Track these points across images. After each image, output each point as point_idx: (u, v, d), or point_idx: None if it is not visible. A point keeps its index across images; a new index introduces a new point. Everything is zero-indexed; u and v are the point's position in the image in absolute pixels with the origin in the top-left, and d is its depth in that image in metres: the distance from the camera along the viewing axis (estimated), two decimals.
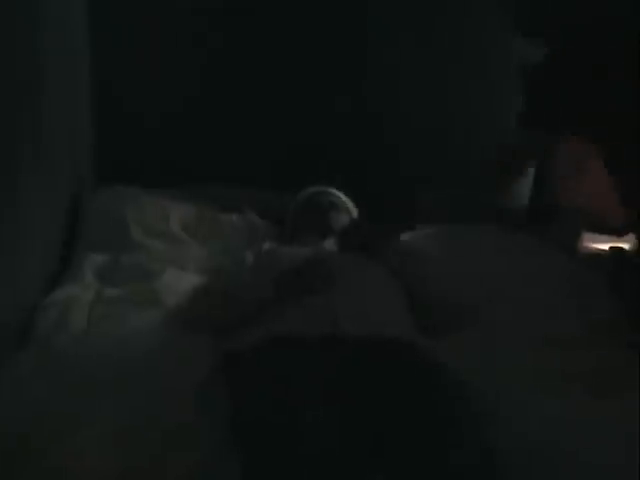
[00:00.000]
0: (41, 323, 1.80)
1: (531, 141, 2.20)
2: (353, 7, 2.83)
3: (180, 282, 2.08)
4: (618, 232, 2.57)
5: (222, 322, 1.79)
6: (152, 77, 2.79)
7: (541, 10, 2.02)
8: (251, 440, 1.31)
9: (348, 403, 1.39)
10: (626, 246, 2.47)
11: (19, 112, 1.79)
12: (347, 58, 2.87)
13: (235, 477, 1.25)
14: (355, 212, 2.42)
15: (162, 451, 1.32)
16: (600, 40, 1.89)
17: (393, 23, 2.86)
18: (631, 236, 2.42)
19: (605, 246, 2.60)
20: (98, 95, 2.70)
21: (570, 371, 1.65)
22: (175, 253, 2.33)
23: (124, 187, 2.62)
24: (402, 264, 2.04)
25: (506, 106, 2.87)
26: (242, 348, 1.59)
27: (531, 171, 3.06)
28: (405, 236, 2.53)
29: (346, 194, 2.49)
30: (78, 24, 2.54)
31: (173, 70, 2.80)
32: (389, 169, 2.94)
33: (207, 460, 1.31)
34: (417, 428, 1.33)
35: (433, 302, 1.92)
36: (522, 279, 2.18)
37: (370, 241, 2.11)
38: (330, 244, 2.14)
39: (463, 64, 2.93)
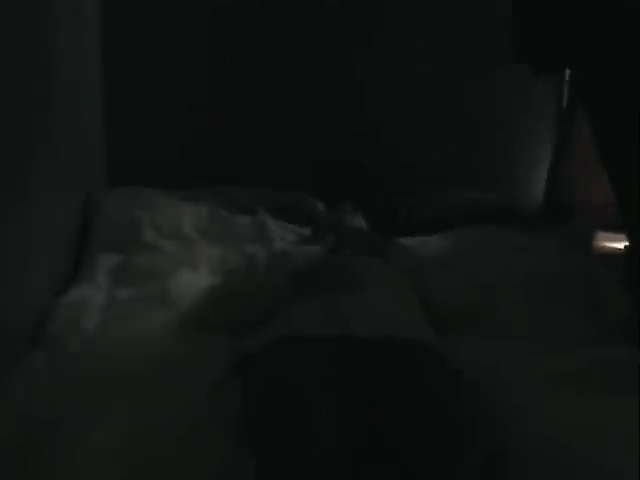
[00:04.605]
0: (53, 324, 1.79)
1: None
2: (365, 17, 2.85)
3: (193, 283, 2.07)
4: None
5: (235, 323, 1.78)
6: (165, 78, 2.80)
7: None
8: (265, 441, 1.30)
9: (362, 404, 1.38)
10: None
11: (31, 113, 1.79)
12: (354, 58, 2.89)
13: (249, 478, 1.24)
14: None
15: (176, 452, 1.31)
16: None
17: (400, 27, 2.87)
18: None
19: (621, 245, 2.58)
20: (110, 95, 2.71)
21: (584, 372, 1.63)
22: (188, 254, 2.32)
23: (136, 188, 2.62)
24: (416, 265, 2.04)
25: (511, 102, 2.89)
26: (256, 349, 1.59)
27: (545, 169, 3.06)
28: (419, 239, 2.53)
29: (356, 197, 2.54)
30: (90, 24, 2.55)
31: (186, 70, 2.81)
32: (399, 171, 2.94)
33: (221, 461, 1.30)
34: (431, 429, 1.32)
35: (447, 303, 1.91)
36: (536, 279, 2.16)
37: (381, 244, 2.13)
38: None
39: (465, 66, 2.94)
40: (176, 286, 2.04)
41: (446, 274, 2.06)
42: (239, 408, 1.41)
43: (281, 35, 2.81)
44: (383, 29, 2.85)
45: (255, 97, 2.86)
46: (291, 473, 1.23)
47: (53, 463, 1.29)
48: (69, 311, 1.86)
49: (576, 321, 1.92)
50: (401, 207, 2.80)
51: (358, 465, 1.26)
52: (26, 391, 1.49)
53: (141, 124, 2.78)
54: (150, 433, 1.35)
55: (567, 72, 2.93)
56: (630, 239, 1.82)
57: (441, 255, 2.36)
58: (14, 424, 1.38)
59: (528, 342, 1.81)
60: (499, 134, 3.01)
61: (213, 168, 2.78)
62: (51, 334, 1.76)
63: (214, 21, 2.77)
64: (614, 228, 2.69)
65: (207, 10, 2.76)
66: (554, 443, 1.35)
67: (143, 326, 1.81)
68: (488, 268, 2.23)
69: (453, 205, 2.85)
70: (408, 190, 2.88)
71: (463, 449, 1.26)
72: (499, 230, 2.61)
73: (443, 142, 2.98)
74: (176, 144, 2.85)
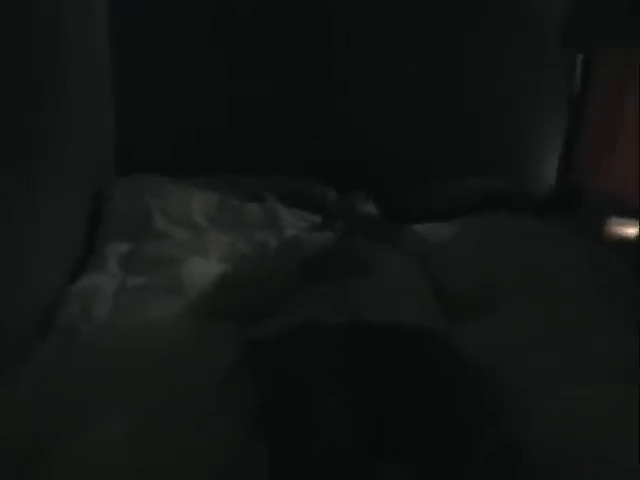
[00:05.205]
0: (65, 313, 1.80)
1: None
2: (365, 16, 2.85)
3: (203, 270, 2.07)
4: None
5: (246, 310, 1.78)
6: (174, 66, 2.80)
7: None
8: (276, 429, 1.30)
9: (371, 391, 1.38)
10: None
11: (40, 111, 1.80)
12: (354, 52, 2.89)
13: (260, 467, 1.24)
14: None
15: (186, 442, 1.31)
16: None
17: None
18: None
19: (633, 231, 2.56)
20: (120, 89, 2.71)
21: (593, 359, 1.61)
22: (198, 241, 2.33)
23: (147, 175, 2.63)
24: (425, 252, 2.04)
25: (522, 92, 2.88)
26: (266, 336, 1.59)
27: (557, 156, 3.05)
28: (428, 226, 2.52)
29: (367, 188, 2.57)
30: (99, 21, 2.55)
31: (192, 68, 2.81)
32: (406, 159, 2.93)
33: (232, 450, 1.30)
34: (436, 419, 1.31)
35: (456, 289, 1.90)
36: (546, 265, 2.14)
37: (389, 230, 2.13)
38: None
39: (474, 54, 2.93)
40: (187, 274, 2.04)
41: (455, 261, 2.05)
42: (249, 397, 1.41)
43: (287, 37, 2.82)
44: (385, 26, 2.85)
45: (265, 93, 2.85)
46: (301, 462, 1.23)
47: (64, 455, 1.28)
48: (81, 299, 1.87)
49: (588, 309, 1.90)
50: (411, 196, 2.79)
51: (366, 456, 1.26)
52: (37, 382, 1.49)
53: (151, 119, 2.78)
54: (161, 422, 1.35)
55: (579, 62, 2.93)
56: None
57: (451, 242, 2.35)
58: (24, 415, 1.38)
59: (536, 329, 1.78)
60: (511, 122, 3.01)
61: (222, 165, 2.77)
62: (63, 323, 1.77)
63: (218, 21, 2.77)
64: (625, 214, 2.67)
65: (210, 11, 2.76)
66: (563, 436, 1.33)
67: (154, 314, 1.81)
68: (498, 255, 2.21)
69: (463, 193, 2.84)
70: (418, 180, 2.87)
71: (470, 439, 1.25)
72: (510, 217, 2.60)
73: (455, 134, 2.97)
74: (187, 132, 2.85)
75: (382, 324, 1.55)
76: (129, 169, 2.66)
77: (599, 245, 2.39)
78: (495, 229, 2.47)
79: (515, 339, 1.73)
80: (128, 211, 2.42)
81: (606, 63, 2.75)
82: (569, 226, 2.51)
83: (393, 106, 2.94)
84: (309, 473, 1.20)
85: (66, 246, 2.10)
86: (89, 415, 1.37)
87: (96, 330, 1.74)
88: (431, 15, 2.85)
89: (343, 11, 2.81)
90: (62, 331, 1.73)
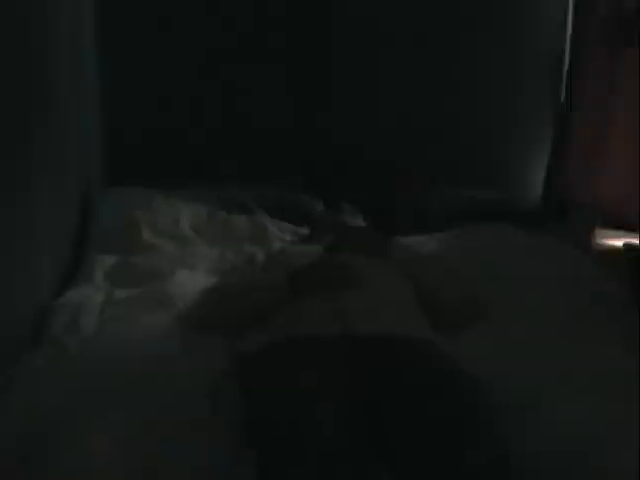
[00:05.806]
0: (53, 325, 1.79)
1: None
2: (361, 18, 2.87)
3: (191, 283, 2.07)
4: (632, 228, 2.56)
5: (234, 323, 1.78)
6: (162, 77, 2.80)
7: None
8: (264, 440, 1.30)
9: (360, 402, 1.38)
10: None
11: (31, 116, 1.80)
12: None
13: (249, 478, 1.24)
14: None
15: (176, 453, 1.31)
16: None
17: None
18: None
19: (619, 242, 2.58)
20: (109, 95, 2.71)
21: (584, 370, 1.61)
22: (186, 254, 2.32)
23: (135, 188, 2.62)
24: (414, 264, 2.04)
25: (509, 101, 2.90)
26: (255, 349, 1.59)
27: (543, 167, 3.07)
28: (416, 238, 2.53)
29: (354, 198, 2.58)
30: (87, 26, 2.56)
31: (182, 71, 2.81)
32: (395, 171, 2.93)
33: (221, 461, 1.30)
34: (431, 427, 1.31)
35: (445, 301, 1.90)
36: (534, 276, 2.15)
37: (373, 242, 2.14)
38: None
39: (460, 63, 2.95)
40: (175, 286, 2.03)
41: (443, 273, 2.05)
42: (239, 408, 1.41)
43: (282, 36, 2.83)
44: (378, 29, 2.86)
45: (253, 99, 2.86)
46: (292, 471, 1.23)
47: (54, 465, 1.28)
48: (68, 312, 1.85)
49: (575, 319, 1.90)
50: (400, 206, 2.80)
51: (359, 466, 1.26)
52: (27, 393, 1.48)
53: (140, 124, 2.78)
54: (150, 433, 1.35)
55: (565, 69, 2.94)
56: None
57: (439, 254, 2.36)
58: (16, 425, 1.38)
59: (526, 339, 1.78)
60: (497, 133, 3.02)
61: (211, 170, 2.77)
62: (51, 335, 1.75)
63: (211, 22, 2.77)
64: (612, 225, 2.69)
65: (201, 13, 2.77)
66: (554, 441, 1.34)
67: (142, 326, 1.80)
68: (487, 266, 2.22)
69: (452, 204, 2.85)
70: (407, 190, 2.88)
71: (463, 447, 1.25)
72: (497, 228, 2.60)
73: (442, 143, 2.99)
74: (175, 144, 2.85)
75: (373, 335, 1.56)
76: (118, 174, 2.66)
77: (587, 256, 2.40)
78: (483, 241, 2.48)
79: (508, 349, 1.72)
80: (116, 223, 2.41)
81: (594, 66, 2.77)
82: (557, 237, 2.52)
83: (382, 112, 2.95)
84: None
85: (55, 258, 2.09)
86: (79, 425, 1.36)
87: (83, 343, 1.72)
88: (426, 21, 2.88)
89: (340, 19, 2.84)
90: (51, 343, 1.71)
